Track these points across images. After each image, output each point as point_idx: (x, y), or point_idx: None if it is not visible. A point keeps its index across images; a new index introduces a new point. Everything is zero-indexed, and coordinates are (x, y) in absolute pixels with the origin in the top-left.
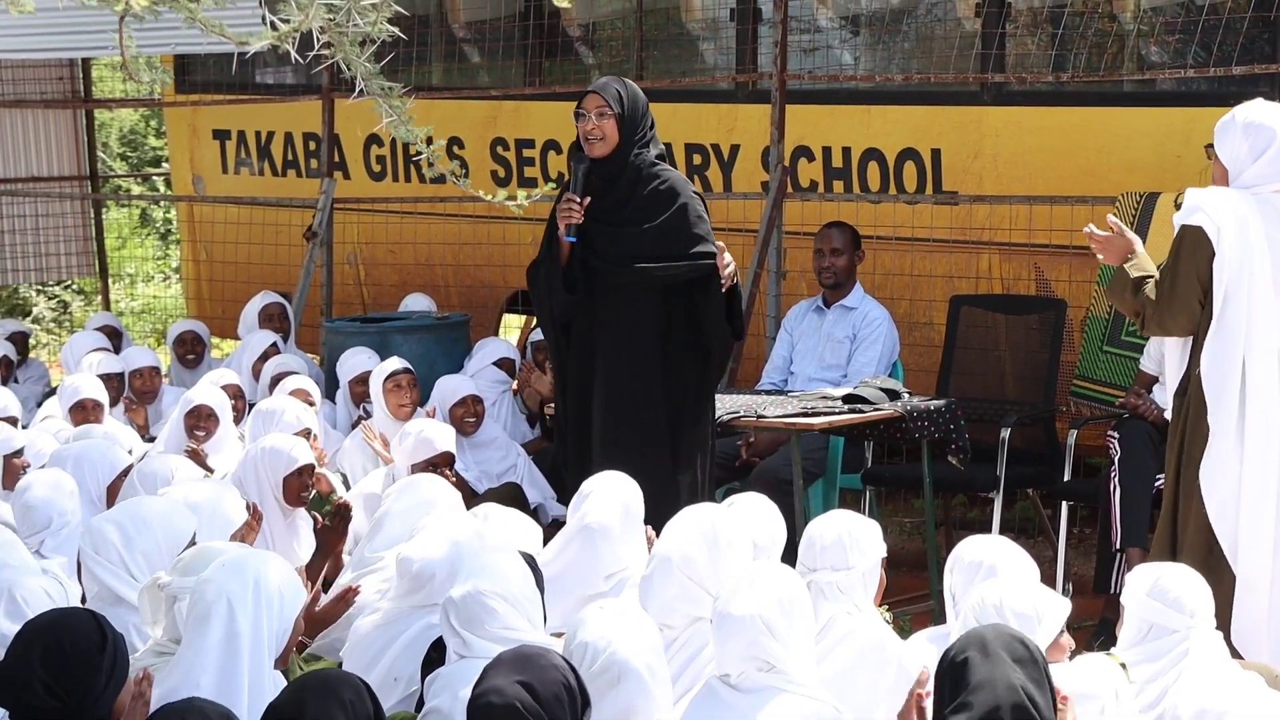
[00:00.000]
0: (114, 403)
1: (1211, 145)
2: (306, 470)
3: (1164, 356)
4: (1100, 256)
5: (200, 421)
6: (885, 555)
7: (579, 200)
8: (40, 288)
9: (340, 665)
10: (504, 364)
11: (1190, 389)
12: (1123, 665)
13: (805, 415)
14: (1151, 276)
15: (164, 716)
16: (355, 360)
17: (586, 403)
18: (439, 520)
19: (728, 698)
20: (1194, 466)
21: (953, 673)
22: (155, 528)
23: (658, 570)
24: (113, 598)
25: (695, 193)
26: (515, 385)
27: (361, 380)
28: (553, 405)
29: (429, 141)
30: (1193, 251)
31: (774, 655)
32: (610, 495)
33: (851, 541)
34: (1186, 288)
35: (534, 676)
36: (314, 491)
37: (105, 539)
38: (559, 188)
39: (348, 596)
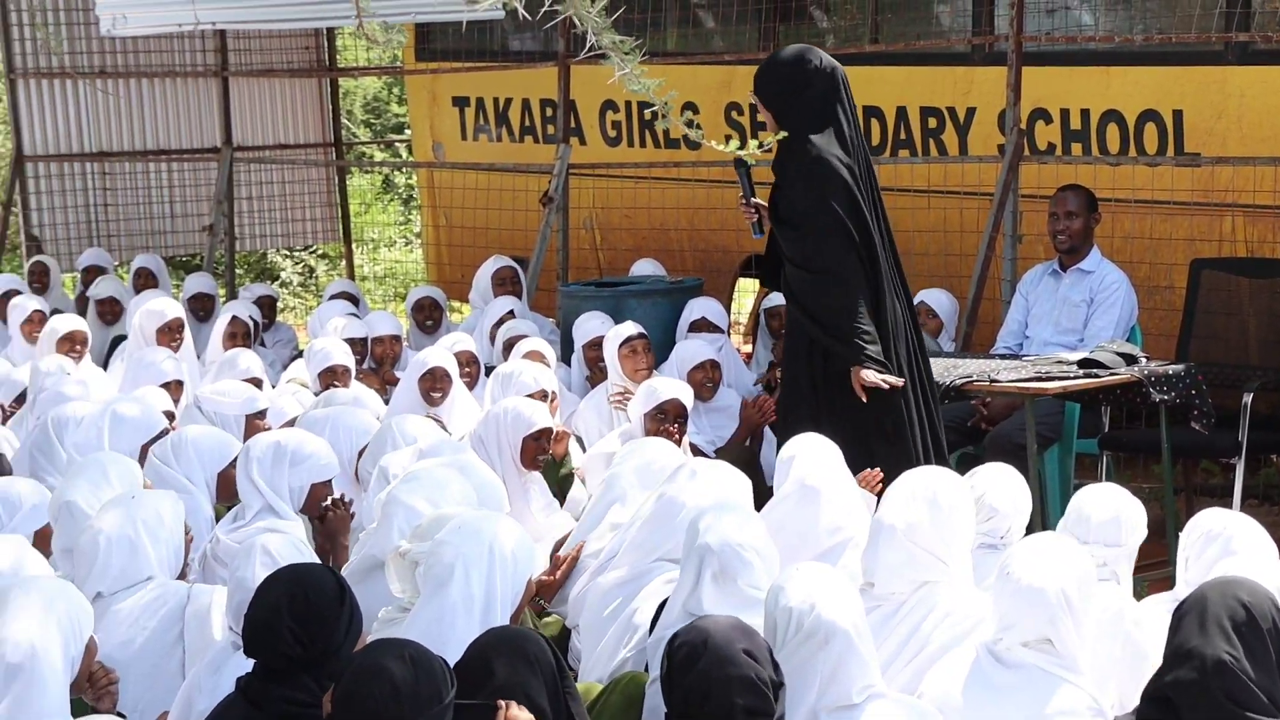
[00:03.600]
0: (358, 367)
1: None
2: (545, 434)
3: None
4: None
5: (436, 384)
6: None
7: (745, 201)
8: (287, 252)
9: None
10: (701, 325)
11: None
12: None
13: (1040, 380)
14: None
15: (368, 650)
16: (589, 325)
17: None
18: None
19: (997, 678)
20: None
21: (1171, 633)
22: (452, 499)
23: (882, 538)
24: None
25: (817, 173)
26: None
27: (594, 345)
28: None
29: (661, 96)
30: None
31: (1061, 633)
32: (821, 455)
33: (1126, 520)
34: None
35: (752, 641)
36: (549, 455)
37: (416, 512)
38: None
39: (575, 556)
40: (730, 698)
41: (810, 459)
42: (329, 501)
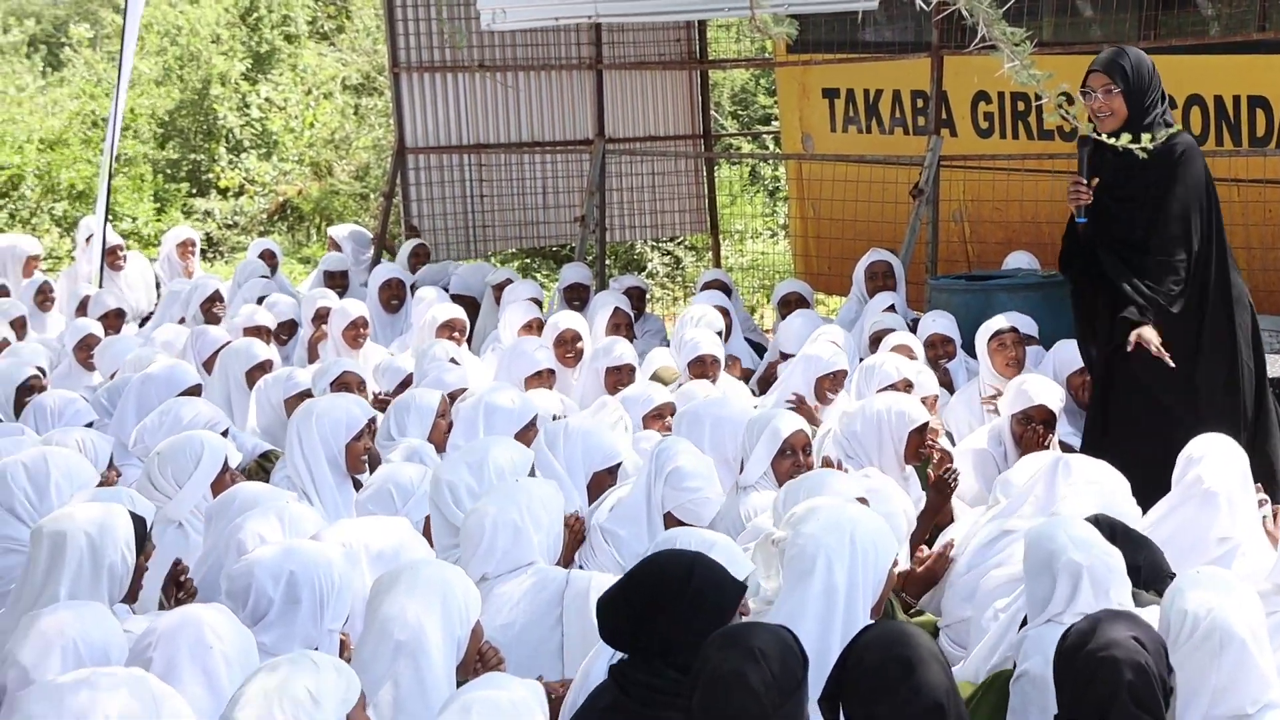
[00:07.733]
0: None
1: None
2: (924, 428)
3: None
4: None
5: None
6: None
7: (1085, 182)
8: (654, 244)
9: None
10: None
11: None
12: None
13: None
14: None
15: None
16: (926, 323)
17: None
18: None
19: None
20: None
21: None
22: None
23: None
24: None
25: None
26: None
27: (931, 344)
28: None
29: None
30: None
31: None
32: (1228, 460)
33: None
34: None
35: (1146, 634)
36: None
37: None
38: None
39: (946, 554)
40: (1118, 677)
41: (1217, 461)
42: None
